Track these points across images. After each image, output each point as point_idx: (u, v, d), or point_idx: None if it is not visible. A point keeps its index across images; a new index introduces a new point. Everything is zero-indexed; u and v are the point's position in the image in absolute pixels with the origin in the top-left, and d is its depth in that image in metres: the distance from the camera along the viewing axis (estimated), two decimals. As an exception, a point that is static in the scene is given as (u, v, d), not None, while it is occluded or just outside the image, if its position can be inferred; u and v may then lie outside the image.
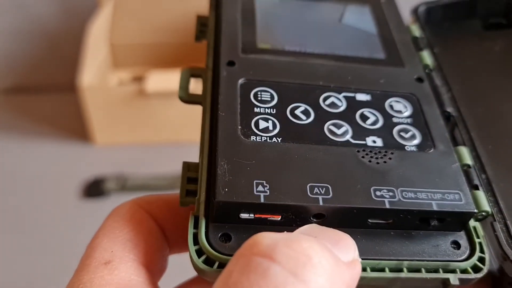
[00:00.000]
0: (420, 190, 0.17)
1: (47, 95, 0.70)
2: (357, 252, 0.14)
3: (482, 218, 0.17)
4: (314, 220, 0.16)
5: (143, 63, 0.69)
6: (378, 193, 0.16)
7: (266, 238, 0.12)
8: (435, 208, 0.16)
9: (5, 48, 0.70)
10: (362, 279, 0.15)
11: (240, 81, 0.19)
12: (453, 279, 0.16)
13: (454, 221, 0.17)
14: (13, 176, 0.57)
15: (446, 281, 0.16)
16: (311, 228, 0.14)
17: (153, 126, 0.60)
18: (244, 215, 0.15)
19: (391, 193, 0.16)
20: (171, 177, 0.54)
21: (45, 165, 0.58)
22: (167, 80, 0.56)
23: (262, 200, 0.15)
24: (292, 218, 0.16)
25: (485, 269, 0.17)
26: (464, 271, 0.16)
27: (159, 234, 0.18)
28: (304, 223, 0.15)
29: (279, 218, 0.16)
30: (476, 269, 0.17)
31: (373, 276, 0.16)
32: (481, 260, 0.17)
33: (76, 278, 0.16)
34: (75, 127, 0.63)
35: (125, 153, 0.59)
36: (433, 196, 0.17)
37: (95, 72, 0.61)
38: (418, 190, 0.17)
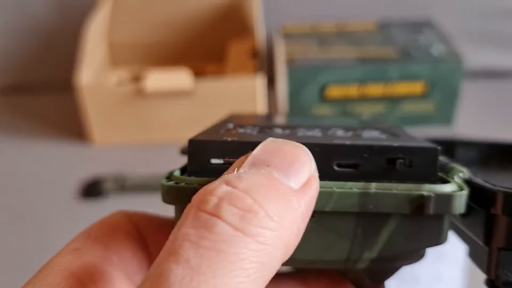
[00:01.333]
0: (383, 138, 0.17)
1: (45, 94, 0.70)
2: (313, 166, 0.14)
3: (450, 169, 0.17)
4: None
5: (141, 62, 0.69)
6: (339, 134, 0.18)
7: (212, 196, 0.12)
8: (396, 144, 0.16)
9: (2, 47, 0.70)
10: (328, 198, 0.15)
11: None
12: (428, 193, 0.15)
13: (422, 164, 0.16)
14: (10, 176, 0.56)
15: (420, 199, 0.15)
16: (262, 152, 0.14)
17: (152, 126, 0.59)
18: (214, 160, 0.16)
19: (350, 134, 0.17)
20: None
21: (43, 165, 0.58)
22: (166, 79, 0.56)
23: (229, 139, 0.16)
24: None
25: (464, 192, 0.16)
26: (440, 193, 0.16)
27: (137, 241, 0.18)
28: None
29: None
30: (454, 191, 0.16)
31: (340, 191, 0.15)
32: (460, 188, 0.16)
33: (46, 263, 0.16)
34: (73, 127, 0.62)
35: (123, 153, 0.59)
36: (396, 140, 0.17)
37: (93, 71, 0.60)
38: (381, 138, 0.17)
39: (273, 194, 0.13)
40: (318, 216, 0.16)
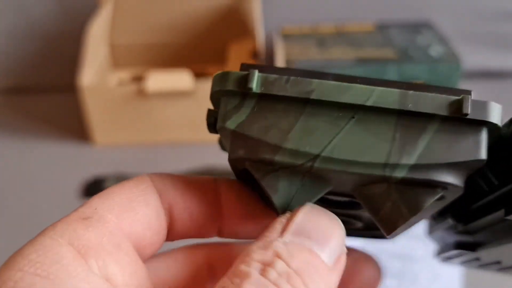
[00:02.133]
0: None
1: (47, 95, 0.70)
2: (344, 241, 0.16)
3: None
4: None
5: (143, 63, 0.69)
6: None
7: (272, 270, 0.15)
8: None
9: (4, 48, 0.70)
10: (370, 93, 0.16)
11: None
12: (465, 95, 0.16)
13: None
14: (12, 176, 0.57)
15: (458, 102, 0.16)
16: (305, 221, 0.16)
17: (153, 126, 0.60)
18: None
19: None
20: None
21: (45, 165, 0.58)
22: (167, 80, 0.56)
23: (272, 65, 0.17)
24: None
25: (498, 105, 0.16)
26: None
27: (157, 209, 0.18)
28: None
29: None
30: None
31: (382, 88, 0.16)
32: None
33: (51, 227, 0.16)
34: (75, 127, 0.63)
35: (125, 153, 0.59)
36: None
37: (95, 72, 0.61)
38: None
39: (316, 274, 0.15)
40: (359, 115, 0.16)
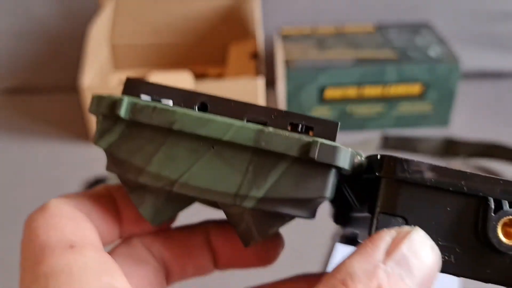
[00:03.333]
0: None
1: (48, 95, 0.71)
2: (436, 275, 0.16)
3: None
4: (197, 110, 0.18)
5: (144, 64, 0.70)
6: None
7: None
8: (301, 113, 0.18)
9: (6, 49, 0.71)
10: (228, 128, 0.17)
11: None
12: (315, 139, 0.17)
13: (321, 133, 0.18)
14: (13, 176, 0.57)
15: (308, 145, 0.17)
16: (410, 251, 0.16)
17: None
18: (144, 97, 0.18)
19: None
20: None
21: (46, 165, 0.58)
22: (167, 81, 0.57)
23: (155, 82, 0.19)
24: (181, 104, 0.18)
25: (350, 149, 0.17)
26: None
27: (111, 208, 0.20)
28: (190, 108, 0.18)
29: (171, 103, 0.18)
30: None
31: (240, 124, 0.17)
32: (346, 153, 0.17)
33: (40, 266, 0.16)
34: (76, 128, 0.63)
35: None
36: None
37: (96, 73, 0.61)
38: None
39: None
40: (217, 147, 0.18)
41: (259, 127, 0.17)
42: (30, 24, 0.69)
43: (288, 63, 0.58)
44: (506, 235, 0.17)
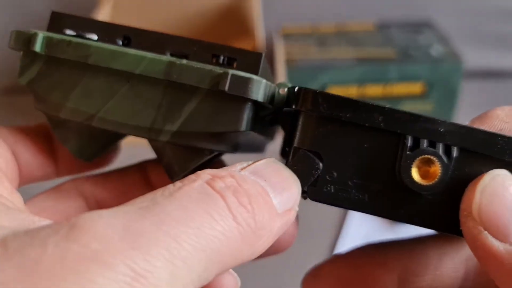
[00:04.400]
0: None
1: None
2: (298, 200, 0.16)
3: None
4: (121, 43, 0.18)
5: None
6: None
7: (221, 181, 0.14)
8: (223, 44, 0.18)
9: (4, 48, 0.70)
10: (140, 61, 0.17)
11: None
12: (226, 71, 0.16)
13: (243, 64, 0.17)
14: (12, 176, 0.57)
15: (219, 77, 0.16)
16: (265, 167, 0.16)
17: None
18: (68, 31, 0.19)
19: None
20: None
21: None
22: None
23: (80, 16, 0.19)
24: (105, 39, 0.18)
25: (264, 81, 0.17)
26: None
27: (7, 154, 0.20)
28: (114, 44, 0.18)
29: (96, 38, 0.18)
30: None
31: (151, 57, 0.17)
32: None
33: None
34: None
35: (125, 153, 0.59)
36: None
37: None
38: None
39: (263, 206, 0.15)
40: (132, 81, 0.18)
41: (171, 59, 0.17)
42: (29, 23, 0.69)
43: (288, 62, 0.58)
44: (423, 175, 0.16)
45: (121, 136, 0.21)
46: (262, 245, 0.15)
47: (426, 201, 0.17)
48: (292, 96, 0.17)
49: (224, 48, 0.18)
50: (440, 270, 0.20)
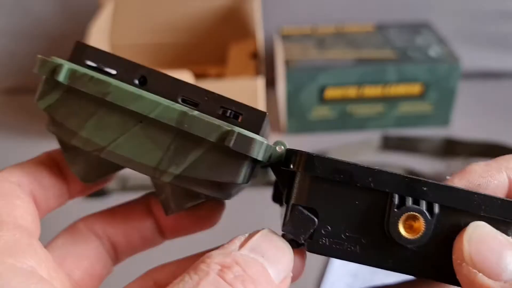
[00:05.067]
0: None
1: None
2: (291, 266, 0.18)
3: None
4: (138, 82, 0.20)
5: (144, 64, 0.70)
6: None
7: (230, 271, 0.17)
8: (233, 99, 0.19)
9: (5, 49, 0.71)
10: (155, 106, 0.19)
11: None
12: (233, 129, 0.18)
13: (248, 121, 0.19)
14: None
15: (226, 133, 0.18)
16: (261, 242, 0.18)
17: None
18: (89, 62, 0.20)
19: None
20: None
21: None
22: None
23: (104, 50, 0.20)
24: (123, 75, 0.20)
25: (265, 142, 0.19)
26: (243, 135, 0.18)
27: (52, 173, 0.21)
28: (130, 82, 0.20)
29: (115, 73, 0.20)
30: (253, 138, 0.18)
31: (166, 104, 0.19)
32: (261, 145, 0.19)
33: None
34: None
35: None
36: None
37: (96, 72, 0.61)
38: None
39: (265, 285, 0.17)
40: (144, 123, 0.19)
41: (184, 109, 0.18)
42: (30, 24, 0.69)
43: (288, 63, 0.58)
44: (408, 229, 0.18)
45: (125, 168, 0.22)
46: None
47: (412, 252, 0.19)
48: (290, 157, 0.19)
49: (232, 102, 0.19)
50: None
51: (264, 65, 0.65)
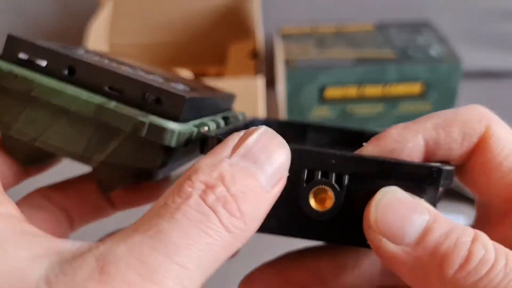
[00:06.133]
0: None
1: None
2: (287, 167, 0.18)
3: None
4: (67, 73, 0.20)
5: (143, 63, 0.69)
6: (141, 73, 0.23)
7: (212, 193, 0.16)
8: (153, 84, 0.20)
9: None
10: (75, 101, 0.20)
11: None
12: (145, 120, 0.19)
13: (168, 105, 0.20)
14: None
15: (139, 123, 0.19)
16: (255, 144, 0.17)
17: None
18: (21, 55, 0.21)
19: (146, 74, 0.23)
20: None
21: (45, 165, 0.58)
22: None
23: (34, 42, 0.21)
24: (53, 66, 0.21)
25: (177, 129, 0.20)
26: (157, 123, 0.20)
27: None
28: (60, 73, 0.20)
29: (45, 64, 0.21)
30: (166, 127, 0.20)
31: (85, 98, 0.20)
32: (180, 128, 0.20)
33: None
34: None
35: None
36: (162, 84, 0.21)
37: (95, 72, 0.61)
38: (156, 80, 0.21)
39: (252, 198, 0.17)
40: (69, 115, 0.21)
41: (101, 101, 0.20)
42: (29, 23, 0.69)
43: (288, 63, 0.58)
44: (319, 202, 0.19)
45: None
46: (256, 225, 0.17)
47: (327, 223, 0.19)
48: (201, 143, 0.20)
49: (152, 88, 0.20)
50: (358, 268, 0.23)
51: (264, 65, 0.64)
